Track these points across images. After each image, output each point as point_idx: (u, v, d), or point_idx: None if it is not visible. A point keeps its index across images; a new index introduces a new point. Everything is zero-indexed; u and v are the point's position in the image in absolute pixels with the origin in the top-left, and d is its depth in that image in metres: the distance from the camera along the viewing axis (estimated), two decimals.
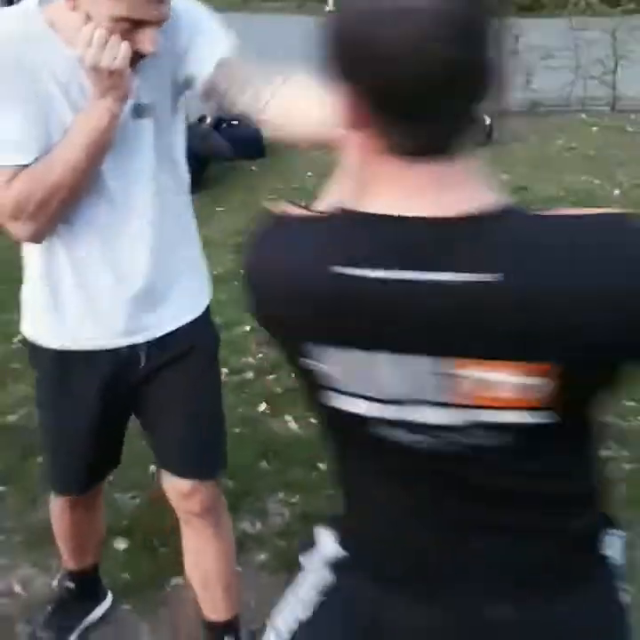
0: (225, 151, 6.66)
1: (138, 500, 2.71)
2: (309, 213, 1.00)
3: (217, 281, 3.86)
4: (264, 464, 2.95)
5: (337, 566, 1.19)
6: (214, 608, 2.08)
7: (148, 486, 2.77)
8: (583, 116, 8.41)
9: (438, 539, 1.09)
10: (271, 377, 3.56)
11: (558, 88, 8.51)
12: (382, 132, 0.88)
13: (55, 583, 2.43)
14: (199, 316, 1.87)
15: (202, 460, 1.92)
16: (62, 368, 1.82)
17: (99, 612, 2.33)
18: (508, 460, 1.00)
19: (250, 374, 3.60)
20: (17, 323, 4.07)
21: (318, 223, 0.98)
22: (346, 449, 1.13)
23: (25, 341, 1.92)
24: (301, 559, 1.25)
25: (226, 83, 1.61)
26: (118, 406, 1.86)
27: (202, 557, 2.02)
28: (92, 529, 2.19)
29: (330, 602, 1.19)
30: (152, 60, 1.58)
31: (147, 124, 1.66)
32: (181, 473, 1.91)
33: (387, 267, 0.90)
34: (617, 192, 6.04)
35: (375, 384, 0.97)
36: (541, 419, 0.93)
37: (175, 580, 2.42)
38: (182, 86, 1.70)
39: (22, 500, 2.79)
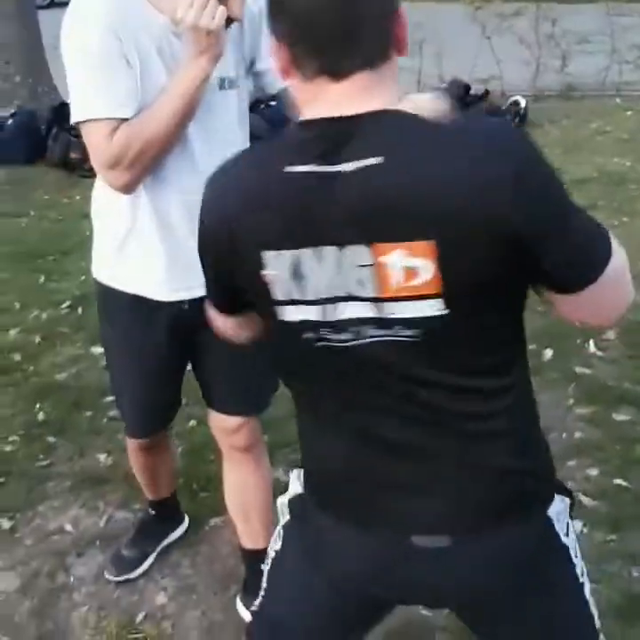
0: (262, 131, 6.82)
1: (180, 449, 2.89)
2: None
3: None
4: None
5: (294, 503, 1.36)
6: (252, 538, 2.24)
7: (186, 437, 2.97)
8: (618, 100, 8.42)
9: (370, 461, 1.19)
10: None
11: (593, 72, 8.53)
12: (296, 65, 1.07)
13: (102, 522, 2.63)
14: None
15: (246, 398, 2.06)
16: (134, 313, 1.96)
17: (176, 534, 2.53)
18: (420, 363, 1.10)
19: None
20: (64, 291, 4.33)
21: (260, 144, 1.19)
22: (293, 373, 1.24)
23: (98, 286, 2.03)
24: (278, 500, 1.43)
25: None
26: (178, 352, 2.02)
27: (243, 490, 2.18)
28: (163, 468, 2.38)
29: (289, 534, 1.37)
30: (234, 38, 1.75)
31: (231, 96, 1.82)
32: (229, 411, 2.06)
33: (304, 162, 1.05)
34: None
35: (310, 285, 1.09)
36: (436, 310, 1.04)
37: (214, 521, 2.61)
38: (251, 69, 1.87)
39: (71, 449, 3.00)
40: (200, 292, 1.89)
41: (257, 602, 1.43)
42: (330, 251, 1.06)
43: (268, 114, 6.98)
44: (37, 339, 3.82)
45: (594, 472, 2.73)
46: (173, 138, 1.73)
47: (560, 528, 1.25)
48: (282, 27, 1.08)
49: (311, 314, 1.11)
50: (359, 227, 1.03)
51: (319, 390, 1.21)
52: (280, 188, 1.07)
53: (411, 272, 1.03)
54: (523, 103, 7.36)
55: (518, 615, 1.26)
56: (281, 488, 2.64)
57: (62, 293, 4.26)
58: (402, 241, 1.02)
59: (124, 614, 2.29)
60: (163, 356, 2.00)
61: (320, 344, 1.13)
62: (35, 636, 2.22)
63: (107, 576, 2.40)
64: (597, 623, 1.31)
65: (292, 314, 1.12)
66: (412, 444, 1.16)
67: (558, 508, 1.25)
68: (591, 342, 3.52)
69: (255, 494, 2.18)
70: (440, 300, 1.04)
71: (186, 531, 2.57)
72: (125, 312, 1.98)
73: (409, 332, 1.07)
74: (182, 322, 1.94)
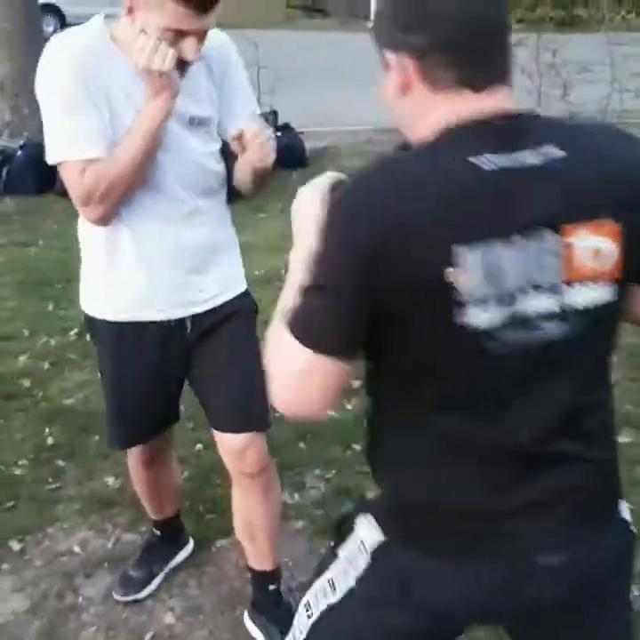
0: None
1: (186, 474, 2.93)
2: (403, 152, 1.18)
3: (259, 281, 4.10)
4: (302, 444, 3.17)
5: (376, 551, 1.27)
6: (259, 559, 2.28)
7: (193, 462, 3.02)
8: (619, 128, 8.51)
9: (490, 486, 1.18)
10: None
11: (595, 101, 8.63)
12: (453, 71, 1.11)
13: (110, 544, 2.67)
14: (240, 293, 2.11)
15: (250, 414, 2.09)
16: (118, 337, 2.05)
17: (182, 555, 2.58)
18: (580, 365, 1.16)
19: None
20: (72, 318, 4.38)
21: (425, 148, 1.13)
22: (444, 390, 1.17)
23: (86, 317, 2.13)
24: (339, 551, 1.33)
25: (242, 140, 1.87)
26: (172, 368, 2.08)
27: (251, 514, 2.21)
28: (166, 483, 2.43)
29: (364, 580, 1.27)
30: (201, 80, 1.89)
31: (198, 133, 1.93)
32: (232, 428, 2.09)
33: (487, 151, 1.08)
34: None
35: (502, 278, 1.08)
36: (614, 296, 1.13)
37: (220, 543, 2.65)
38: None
39: (80, 473, 3.04)
40: (184, 311, 2.01)
41: None
42: (519, 240, 1.08)
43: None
44: (46, 365, 3.88)
45: None
46: (139, 174, 1.84)
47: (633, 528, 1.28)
48: (419, 38, 1.10)
49: (496, 313, 1.09)
50: (549, 214, 1.08)
51: (465, 406, 1.17)
52: (469, 179, 1.08)
53: (598, 252, 1.10)
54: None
55: (597, 620, 1.26)
56: (287, 511, 2.73)
57: (70, 320, 4.31)
58: (591, 219, 1.09)
59: (132, 634, 2.32)
60: (154, 371, 2.07)
61: (491, 347, 1.11)
62: None
63: (115, 596, 2.44)
64: None
65: (475, 315, 1.09)
66: (550, 455, 1.17)
67: (625, 508, 1.28)
68: None
69: (263, 519, 2.21)
70: (616, 286, 1.13)
71: (192, 552, 2.61)
72: (113, 337, 2.07)
73: (582, 323, 1.12)
74: (171, 340, 2.03)
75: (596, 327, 1.14)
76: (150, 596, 2.45)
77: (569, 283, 1.10)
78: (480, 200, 1.07)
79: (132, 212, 1.91)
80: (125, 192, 1.85)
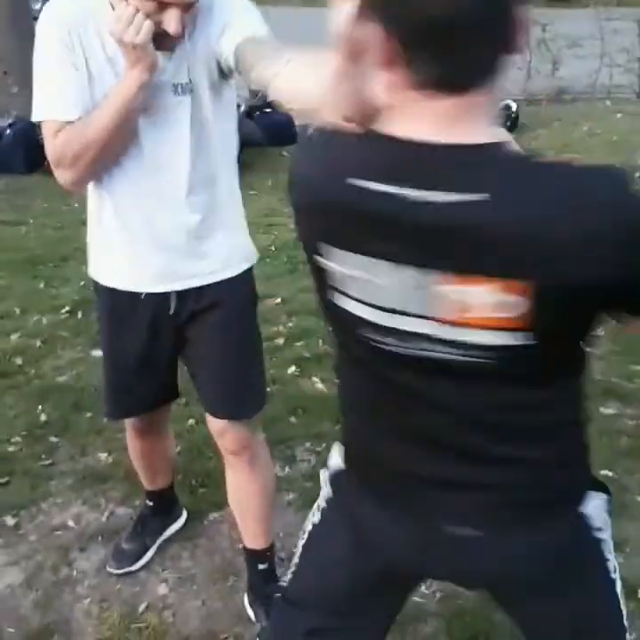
0: (258, 138, 6.92)
1: (179, 448, 2.96)
2: (338, 130, 1.11)
3: None
4: (293, 418, 3.21)
5: (336, 476, 1.38)
6: (251, 538, 2.32)
7: (185, 436, 3.06)
8: (608, 102, 8.53)
9: (409, 451, 1.20)
10: (300, 343, 3.81)
11: (584, 76, 8.64)
12: (409, 68, 0.98)
13: (103, 518, 2.71)
14: (237, 275, 2.05)
15: (232, 401, 2.11)
16: (113, 303, 2.07)
17: (174, 527, 2.62)
18: (490, 382, 1.09)
19: (280, 341, 3.85)
20: (64, 296, 4.42)
21: (343, 139, 1.10)
22: (343, 352, 1.25)
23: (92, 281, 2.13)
24: (320, 474, 1.45)
25: (248, 58, 1.75)
26: (160, 343, 2.08)
27: (239, 493, 2.25)
28: (160, 455, 2.47)
29: (329, 509, 1.38)
30: (189, 45, 1.81)
31: (185, 101, 1.87)
32: (213, 412, 2.13)
33: (389, 182, 1.01)
34: (638, 174, 6.17)
35: (373, 291, 1.08)
36: (521, 340, 1.02)
37: (212, 515, 2.70)
38: (222, 72, 1.88)
39: (73, 449, 3.07)
40: (181, 285, 2.01)
41: (286, 577, 1.45)
42: (402, 268, 1.04)
43: (262, 121, 7.12)
44: (38, 343, 3.90)
45: None
46: (111, 142, 1.82)
47: (596, 524, 1.26)
48: (407, 23, 0.97)
49: (369, 312, 1.10)
50: (446, 255, 1.01)
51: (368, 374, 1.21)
52: (343, 197, 1.06)
53: (499, 306, 1.01)
54: (514, 107, 7.46)
55: (548, 609, 1.29)
56: (278, 484, 2.77)
57: (62, 299, 4.34)
58: (494, 277, 0.99)
59: (126, 605, 2.36)
60: (143, 344, 2.07)
61: (376, 340, 1.12)
62: (39, 628, 2.29)
63: (108, 569, 2.48)
64: (626, 622, 1.32)
65: (346, 303, 1.13)
66: (463, 448, 1.17)
67: (594, 503, 1.26)
68: None
69: (250, 498, 2.24)
70: (528, 333, 1.03)
71: (185, 525, 2.65)
72: (108, 302, 2.08)
73: (482, 354, 1.06)
74: (159, 315, 2.02)
75: (509, 356, 1.06)
76: (143, 567, 2.49)
77: (460, 325, 1.04)
78: (346, 211, 1.07)
79: (116, 183, 1.90)
80: (97, 158, 1.82)
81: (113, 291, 2.05)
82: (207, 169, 1.94)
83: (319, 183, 1.10)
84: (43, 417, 3.27)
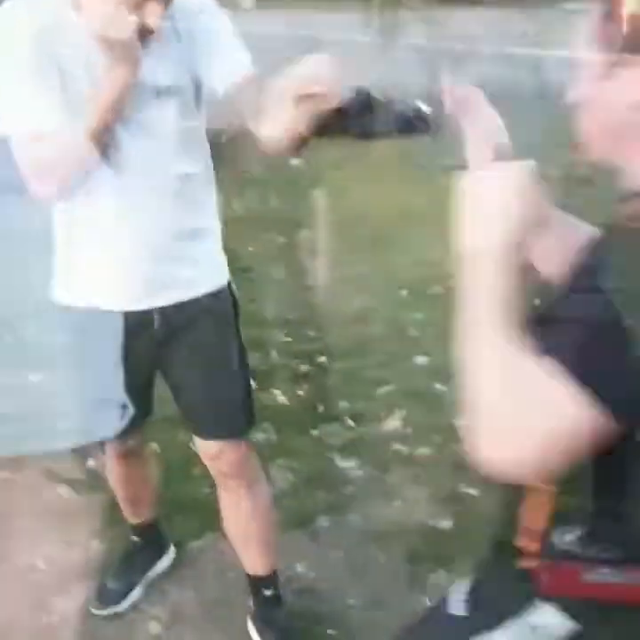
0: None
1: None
2: None
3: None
4: (260, 434, 3.12)
5: None
6: (254, 564, 2.21)
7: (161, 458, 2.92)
8: None
9: None
10: (257, 355, 3.70)
11: None
12: None
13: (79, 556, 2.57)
14: (217, 290, 1.97)
15: (224, 421, 2.02)
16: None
17: (163, 563, 2.49)
18: None
19: None
20: None
21: None
22: None
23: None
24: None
25: (242, 100, 1.73)
26: (139, 362, 1.95)
27: (241, 517, 2.14)
28: (141, 483, 2.35)
29: None
30: (171, 47, 1.73)
31: (168, 104, 1.77)
32: (205, 435, 2.03)
33: None
34: None
35: None
36: None
37: (193, 543, 2.60)
38: (203, 89, 1.81)
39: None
40: (160, 301, 1.88)
41: None
42: None
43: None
44: None
45: None
46: (93, 150, 1.69)
47: None
48: None
49: None
50: None
51: None
52: None
53: None
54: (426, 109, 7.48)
55: None
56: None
57: None
58: None
59: None
60: (125, 360, 1.93)
61: None
62: None
63: (92, 610, 2.35)
64: None
65: None
66: None
67: None
68: None
69: (250, 521, 2.14)
70: None
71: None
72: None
73: None
74: (134, 332, 1.91)
75: None
76: (131, 607, 2.37)
77: None
78: None
79: (91, 191, 1.77)
80: (77, 168, 1.70)
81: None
82: (191, 176, 1.86)
83: None
84: None
